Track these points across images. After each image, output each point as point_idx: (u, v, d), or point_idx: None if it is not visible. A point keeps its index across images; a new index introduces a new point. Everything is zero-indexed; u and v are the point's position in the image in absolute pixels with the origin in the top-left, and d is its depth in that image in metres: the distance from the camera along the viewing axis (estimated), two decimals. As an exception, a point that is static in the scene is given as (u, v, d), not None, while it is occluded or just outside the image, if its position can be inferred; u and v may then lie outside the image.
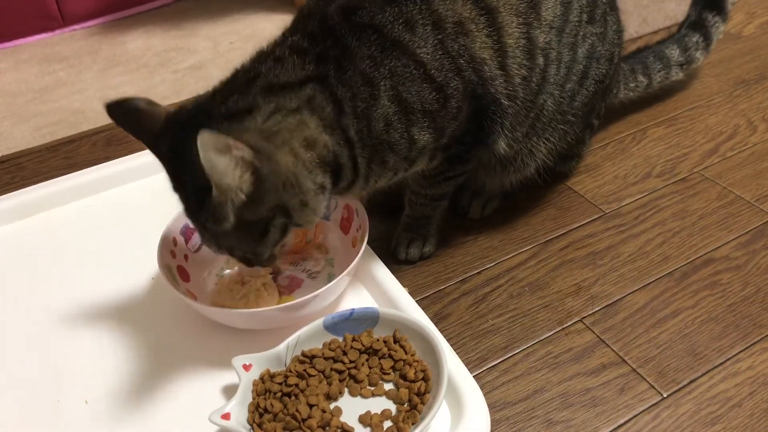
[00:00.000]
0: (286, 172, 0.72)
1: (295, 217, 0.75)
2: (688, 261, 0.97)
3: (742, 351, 0.84)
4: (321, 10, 0.78)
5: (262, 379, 0.76)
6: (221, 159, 0.65)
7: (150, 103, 0.76)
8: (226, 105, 0.72)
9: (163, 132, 0.74)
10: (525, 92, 0.85)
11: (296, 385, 0.76)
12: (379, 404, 0.76)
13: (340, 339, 0.81)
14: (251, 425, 0.72)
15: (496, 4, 0.81)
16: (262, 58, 0.77)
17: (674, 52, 1.26)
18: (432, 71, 0.77)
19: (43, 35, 1.64)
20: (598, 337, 0.87)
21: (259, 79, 0.74)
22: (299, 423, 0.72)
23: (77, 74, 1.49)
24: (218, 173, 0.66)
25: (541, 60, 0.85)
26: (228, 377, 0.79)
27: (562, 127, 0.93)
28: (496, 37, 0.81)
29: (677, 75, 1.27)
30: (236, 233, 0.73)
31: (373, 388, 0.77)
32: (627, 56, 1.23)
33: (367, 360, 0.79)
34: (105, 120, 1.31)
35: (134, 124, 0.76)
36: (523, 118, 0.88)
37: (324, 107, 0.74)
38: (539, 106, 0.89)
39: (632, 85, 1.22)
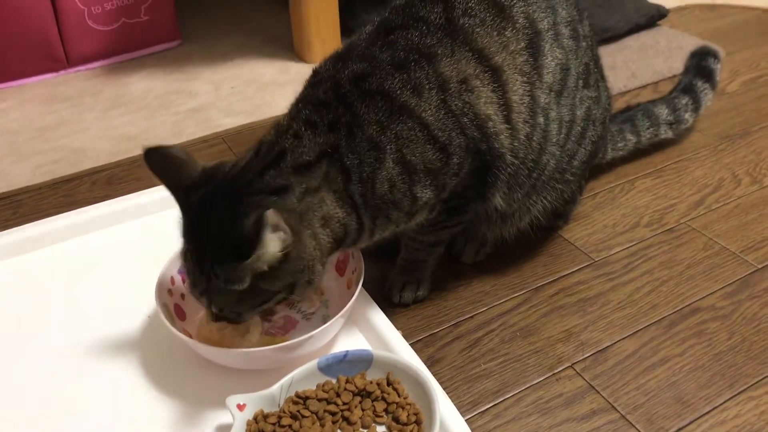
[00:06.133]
0: (307, 257, 0.76)
1: (296, 293, 0.79)
2: (676, 309, 0.99)
3: (728, 400, 0.85)
4: (333, 76, 0.82)
5: (255, 419, 0.77)
6: (272, 236, 0.70)
7: (188, 154, 0.80)
8: (265, 180, 0.75)
9: (199, 185, 0.77)
10: (527, 150, 0.88)
11: (289, 425, 0.76)
12: (371, 446, 0.77)
13: (334, 381, 0.82)
14: (244, 465, 0.73)
15: (501, 63, 0.84)
16: (281, 132, 0.79)
17: (663, 111, 1.29)
18: (435, 131, 0.80)
19: (48, 75, 1.67)
20: (587, 383, 0.88)
21: (286, 156, 0.77)
22: (292, 464, 0.72)
23: (79, 114, 1.52)
24: (264, 247, 0.70)
25: (541, 119, 0.88)
26: (222, 416, 0.79)
27: (559, 186, 0.97)
28: (501, 93, 0.84)
29: (666, 133, 1.30)
30: (237, 294, 0.75)
31: (365, 431, 0.78)
32: (614, 115, 1.25)
33: (360, 402, 0.80)
34: (106, 159, 1.35)
35: (168, 170, 0.79)
36: (524, 178, 0.90)
37: (336, 178, 0.77)
38: (542, 166, 0.92)
39: (620, 144, 1.24)
